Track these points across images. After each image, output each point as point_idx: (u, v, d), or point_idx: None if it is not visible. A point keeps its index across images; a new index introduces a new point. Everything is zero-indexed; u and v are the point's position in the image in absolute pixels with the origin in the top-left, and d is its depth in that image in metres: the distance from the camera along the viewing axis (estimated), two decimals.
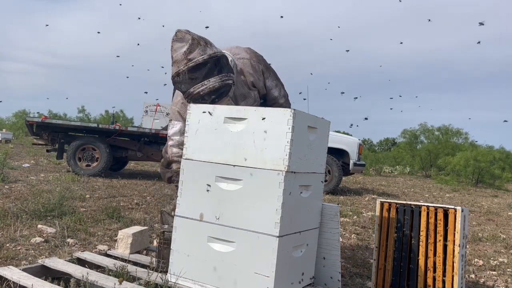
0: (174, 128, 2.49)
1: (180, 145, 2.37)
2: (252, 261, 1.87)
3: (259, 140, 1.90)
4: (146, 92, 9.77)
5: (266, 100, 2.66)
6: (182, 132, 2.39)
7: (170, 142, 2.48)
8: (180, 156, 2.28)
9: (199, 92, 2.18)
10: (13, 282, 2.05)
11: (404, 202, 2.49)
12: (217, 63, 2.20)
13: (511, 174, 16.20)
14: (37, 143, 9.59)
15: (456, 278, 2.23)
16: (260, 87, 2.54)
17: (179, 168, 2.16)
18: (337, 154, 8.57)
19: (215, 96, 2.23)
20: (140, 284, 2.08)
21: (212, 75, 2.17)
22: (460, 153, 16.57)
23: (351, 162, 8.68)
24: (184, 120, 2.37)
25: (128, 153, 8.61)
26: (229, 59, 2.34)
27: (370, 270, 3.06)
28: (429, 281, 2.31)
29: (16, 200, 4.71)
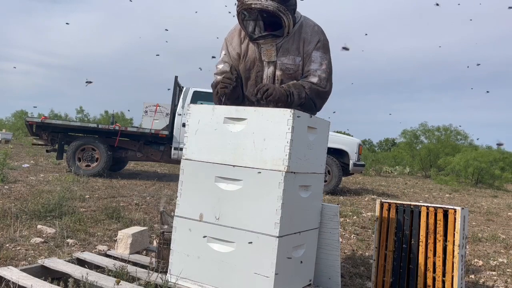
0: (218, 58, 2.52)
1: (222, 73, 2.42)
2: (251, 262, 1.87)
3: (259, 140, 1.90)
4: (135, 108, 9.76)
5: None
6: (224, 61, 2.46)
7: (215, 71, 2.51)
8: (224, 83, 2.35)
9: (250, 4, 2.16)
10: (13, 283, 2.05)
11: (404, 202, 2.49)
12: None
13: (511, 174, 16.21)
14: (37, 143, 9.58)
15: (455, 278, 2.23)
16: (305, 56, 2.42)
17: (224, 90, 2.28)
18: (337, 154, 8.57)
19: (262, 20, 2.25)
20: (140, 285, 2.08)
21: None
22: (460, 153, 16.57)
23: (351, 162, 8.68)
24: (226, 48, 2.46)
25: (127, 153, 8.61)
26: (297, 12, 2.32)
27: (370, 270, 3.06)
28: (429, 281, 2.31)
29: (16, 201, 4.70)
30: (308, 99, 2.27)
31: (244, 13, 2.28)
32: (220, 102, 2.35)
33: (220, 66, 2.48)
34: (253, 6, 2.18)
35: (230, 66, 2.44)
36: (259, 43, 2.37)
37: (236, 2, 2.26)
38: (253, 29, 2.34)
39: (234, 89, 2.34)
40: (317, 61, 2.37)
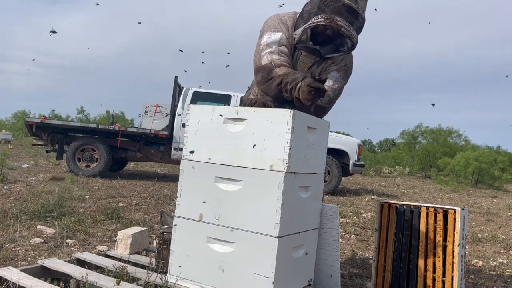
0: (272, 37, 2.27)
1: (281, 53, 2.24)
2: (251, 262, 1.87)
3: (259, 140, 1.90)
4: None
5: None
6: (282, 43, 2.26)
7: (267, 50, 2.24)
8: (282, 65, 2.18)
9: (341, 27, 2.11)
10: (13, 283, 2.05)
11: (404, 202, 2.49)
12: (360, 27, 2.22)
13: (510, 175, 16.21)
14: (37, 143, 9.58)
15: (455, 279, 2.23)
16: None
17: (285, 73, 2.11)
18: (337, 154, 8.57)
19: (335, 39, 2.25)
20: (139, 285, 2.08)
21: (352, 27, 2.16)
22: (460, 154, 16.58)
23: (351, 162, 8.69)
24: (285, 30, 2.27)
25: (127, 154, 8.61)
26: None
27: (370, 270, 3.06)
28: (429, 282, 2.31)
29: (16, 201, 4.70)
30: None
31: (322, 27, 2.19)
32: (281, 92, 2.18)
33: (275, 46, 2.26)
34: (342, 30, 2.14)
35: (287, 51, 2.28)
36: (302, 50, 2.33)
37: (318, 13, 2.15)
38: (307, 38, 2.27)
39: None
40: (332, 79, 2.33)
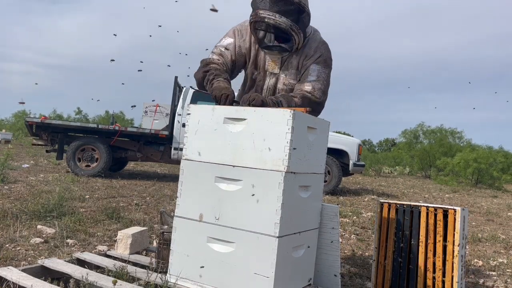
0: (223, 40, 2.45)
1: (220, 55, 2.40)
2: (251, 262, 1.87)
3: (259, 140, 1.90)
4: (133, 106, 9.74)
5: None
6: (227, 48, 2.42)
7: (214, 50, 2.44)
8: (218, 65, 2.36)
9: (264, 18, 2.19)
10: (13, 283, 2.05)
11: (404, 202, 2.49)
12: (300, 14, 2.22)
13: (510, 176, 16.20)
14: (37, 143, 9.58)
15: (455, 279, 2.23)
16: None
17: (216, 69, 2.28)
18: (337, 154, 8.57)
19: (272, 33, 2.28)
20: (139, 285, 2.08)
21: (287, 16, 2.18)
22: (459, 154, 16.58)
23: (351, 162, 8.69)
24: (235, 37, 2.42)
25: (127, 154, 8.61)
26: (309, 27, 2.34)
27: (370, 270, 3.06)
28: (429, 282, 2.31)
29: (16, 201, 4.70)
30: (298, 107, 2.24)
31: (256, 25, 2.29)
32: (203, 88, 2.38)
33: (222, 49, 2.42)
34: (266, 20, 2.20)
35: (230, 55, 2.42)
36: (266, 52, 2.38)
37: (251, 12, 2.29)
38: (263, 36, 2.35)
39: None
40: (314, 73, 2.36)
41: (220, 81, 2.28)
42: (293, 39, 2.25)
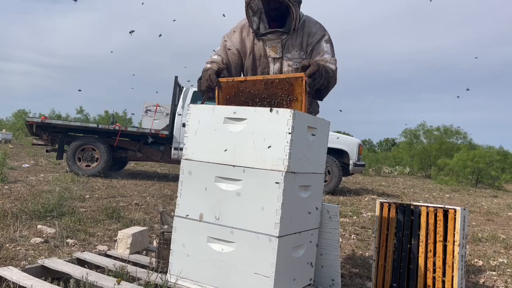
0: (213, 56, 2.54)
1: (213, 62, 2.47)
2: (252, 262, 1.87)
3: (259, 140, 1.90)
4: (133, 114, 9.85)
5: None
6: (217, 54, 2.52)
7: (207, 60, 2.54)
8: (212, 61, 2.45)
9: None
10: (13, 283, 2.05)
11: (404, 202, 2.49)
12: None
13: (510, 175, 16.19)
14: (37, 143, 9.59)
15: (455, 279, 2.23)
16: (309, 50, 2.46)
17: (208, 68, 2.34)
18: (337, 154, 8.57)
19: (268, 14, 2.34)
20: (140, 285, 2.08)
21: None
22: (457, 155, 16.56)
23: (351, 162, 8.69)
24: (223, 42, 2.52)
25: (127, 153, 8.61)
26: (300, 11, 2.37)
27: (370, 270, 3.06)
28: (429, 282, 2.31)
29: (16, 201, 4.70)
30: (329, 80, 2.25)
31: (252, 5, 2.33)
32: (203, 92, 2.39)
33: (214, 57, 2.53)
34: None
35: (221, 58, 2.50)
36: (264, 39, 2.42)
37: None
38: (257, 26, 2.40)
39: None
40: (329, 52, 2.41)
41: (205, 71, 2.36)
42: (291, 12, 2.29)
